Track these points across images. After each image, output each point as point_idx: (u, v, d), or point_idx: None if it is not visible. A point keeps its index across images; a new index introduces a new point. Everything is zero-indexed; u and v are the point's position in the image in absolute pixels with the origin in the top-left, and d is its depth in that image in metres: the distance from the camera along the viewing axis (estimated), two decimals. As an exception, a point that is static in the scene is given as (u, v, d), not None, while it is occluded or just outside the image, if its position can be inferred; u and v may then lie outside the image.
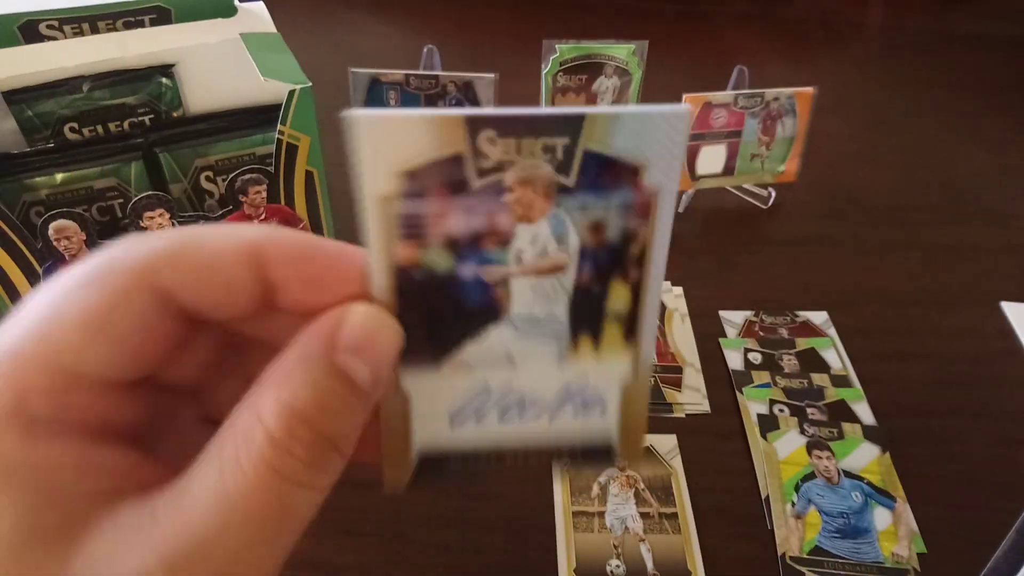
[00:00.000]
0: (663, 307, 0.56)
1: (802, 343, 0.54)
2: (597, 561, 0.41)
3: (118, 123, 0.44)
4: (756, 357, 0.53)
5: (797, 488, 0.44)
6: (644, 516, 0.43)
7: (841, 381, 0.51)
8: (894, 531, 0.43)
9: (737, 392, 0.50)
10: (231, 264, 0.18)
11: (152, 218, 0.43)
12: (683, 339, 0.54)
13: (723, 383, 0.51)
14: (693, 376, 0.51)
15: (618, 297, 0.21)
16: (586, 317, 0.21)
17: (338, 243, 0.19)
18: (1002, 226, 0.67)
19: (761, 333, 0.55)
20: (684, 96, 0.60)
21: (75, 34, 0.44)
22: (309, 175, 0.45)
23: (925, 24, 0.97)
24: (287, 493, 0.16)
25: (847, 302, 0.58)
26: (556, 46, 0.59)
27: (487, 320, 0.21)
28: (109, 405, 0.17)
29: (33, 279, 0.43)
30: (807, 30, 0.96)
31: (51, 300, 0.17)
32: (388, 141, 0.19)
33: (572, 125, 0.20)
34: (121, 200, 0.44)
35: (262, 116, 0.46)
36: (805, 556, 0.41)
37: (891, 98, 0.84)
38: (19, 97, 0.41)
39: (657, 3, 0.96)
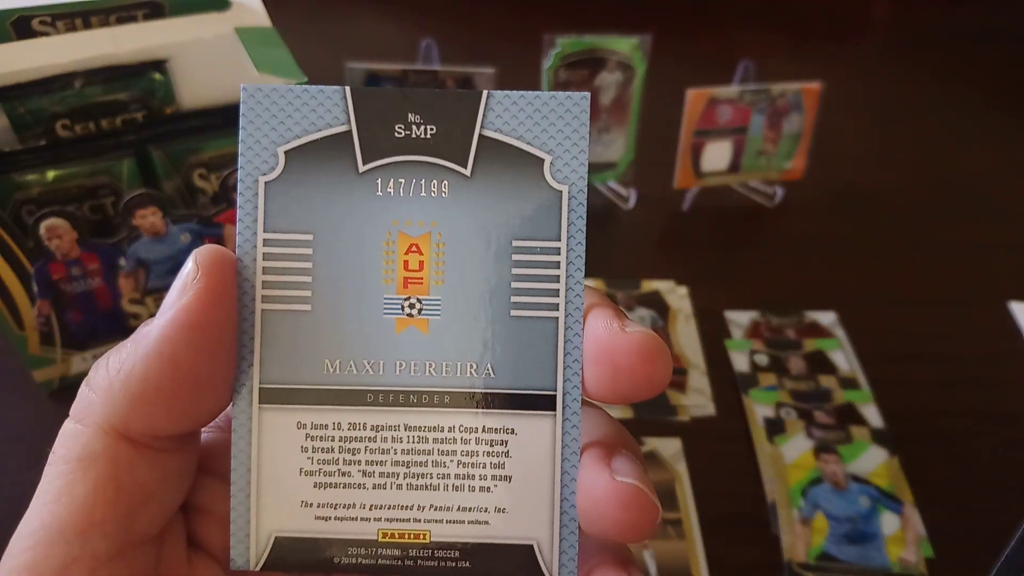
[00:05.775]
0: (667, 307, 0.55)
1: (809, 344, 0.53)
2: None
3: (110, 119, 0.43)
4: (762, 359, 0.52)
5: (804, 493, 0.43)
6: (647, 521, 0.42)
7: (849, 383, 0.50)
8: (902, 536, 0.42)
9: (743, 394, 0.49)
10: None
11: (144, 216, 0.43)
12: (688, 340, 0.53)
13: (729, 385, 0.50)
14: (698, 378, 0.50)
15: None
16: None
17: None
18: (1011, 225, 0.66)
19: (767, 334, 0.54)
20: (688, 91, 0.59)
21: (68, 29, 0.43)
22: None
23: (932, 20, 0.96)
24: None
25: (854, 302, 0.57)
26: (557, 40, 0.58)
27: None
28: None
29: (24, 278, 0.42)
30: (813, 25, 0.95)
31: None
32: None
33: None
34: (113, 198, 0.43)
35: (257, 112, 0.45)
36: (812, 562, 0.41)
37: (898, 94, 0.83)
38: (12, 94, 0.41)
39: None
